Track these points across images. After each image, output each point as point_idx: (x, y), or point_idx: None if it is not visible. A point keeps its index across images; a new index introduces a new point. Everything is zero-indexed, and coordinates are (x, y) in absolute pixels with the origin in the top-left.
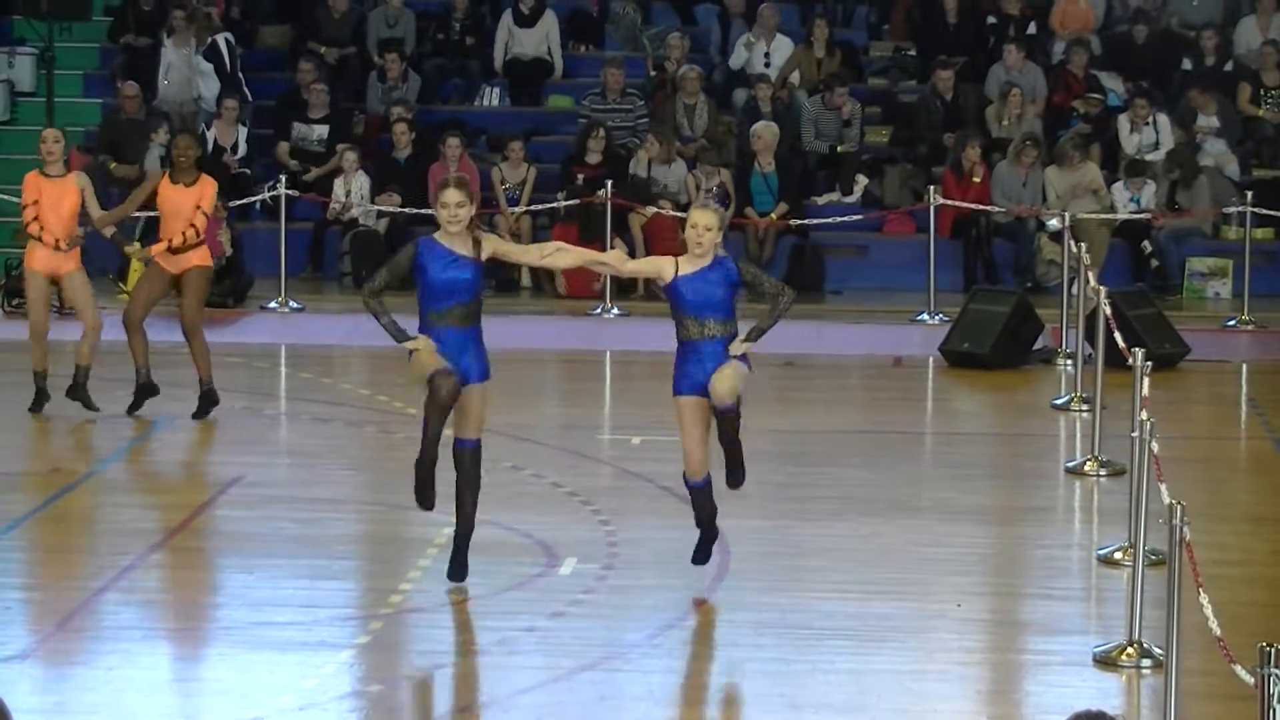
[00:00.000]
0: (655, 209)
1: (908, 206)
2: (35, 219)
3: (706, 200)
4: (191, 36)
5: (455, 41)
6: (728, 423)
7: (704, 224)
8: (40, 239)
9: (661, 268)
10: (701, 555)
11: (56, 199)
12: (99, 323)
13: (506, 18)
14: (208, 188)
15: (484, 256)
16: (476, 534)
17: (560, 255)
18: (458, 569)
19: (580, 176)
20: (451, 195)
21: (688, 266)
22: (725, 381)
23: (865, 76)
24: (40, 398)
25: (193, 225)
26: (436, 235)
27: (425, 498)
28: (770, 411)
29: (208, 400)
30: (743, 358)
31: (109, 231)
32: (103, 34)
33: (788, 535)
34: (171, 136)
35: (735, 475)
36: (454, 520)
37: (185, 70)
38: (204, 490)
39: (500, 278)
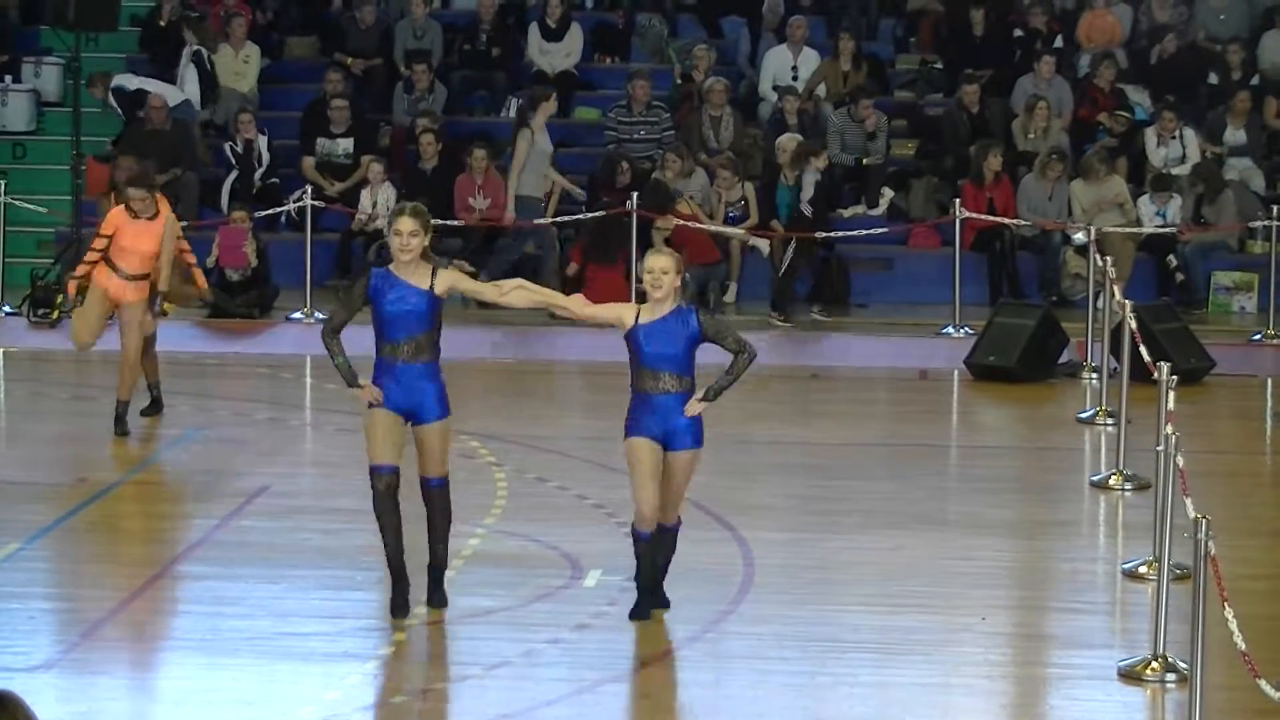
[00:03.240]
0: (675, 219)
1: (933, 220)
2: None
3: (658, 247)
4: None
5: (482, 53)
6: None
7: (659, 268)
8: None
9: (622, 315)
10: (642, 610)
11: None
12: (135, 359)
13: (534, 31)
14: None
15: (440, 290)
16: (502, 545)
17: (519, 294)
18: (439, 597)
19: (606, 199)
20: (405, 224)
21: (648, 315)
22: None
23: (891, 89)
24: (120, 424)
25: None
26: (391, 266)
27: (399, 604)
28: (795, 424)
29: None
30: (695, 423)
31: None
32: (130, 44)
33: (812, 548)
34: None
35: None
36: (432, 549)
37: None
38: (230, 501)
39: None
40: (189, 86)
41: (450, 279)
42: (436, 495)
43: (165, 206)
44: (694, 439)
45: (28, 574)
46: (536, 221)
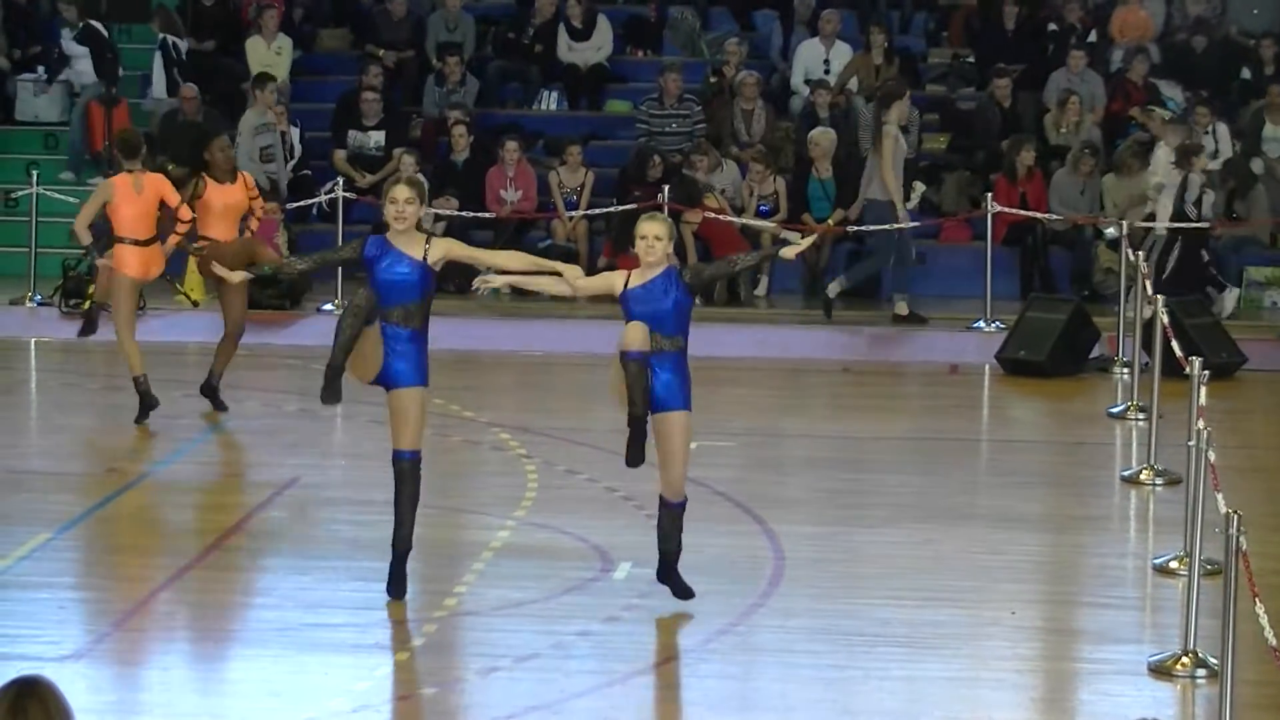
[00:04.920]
0: (703, 211)
1: (965, 214)
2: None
3: (653, 214)
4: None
5: (524, 45)
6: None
7: (653, 234)
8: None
9: (613, 282)
10: (682, 586)
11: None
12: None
13: (561, 32)
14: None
15: (433, 259)
16: (532, 537)
17: (514, 258)
18: (398, 585)
19: (637, 194)
20: (401, 191)
21: (638, 279)
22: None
23: (923, 83)
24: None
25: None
26: (388, 234)
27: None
28: (826, 417)
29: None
30: (684, 385)
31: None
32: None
33: (842, 541)
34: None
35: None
36: (396, 531)
37: (161, 74)
38: (259, 492)
39: None
40: (155, 76)
41: (444, 247)
42: (408, 469)
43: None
44: (683, 400)
45: (58, 564)
46: (569, 214)
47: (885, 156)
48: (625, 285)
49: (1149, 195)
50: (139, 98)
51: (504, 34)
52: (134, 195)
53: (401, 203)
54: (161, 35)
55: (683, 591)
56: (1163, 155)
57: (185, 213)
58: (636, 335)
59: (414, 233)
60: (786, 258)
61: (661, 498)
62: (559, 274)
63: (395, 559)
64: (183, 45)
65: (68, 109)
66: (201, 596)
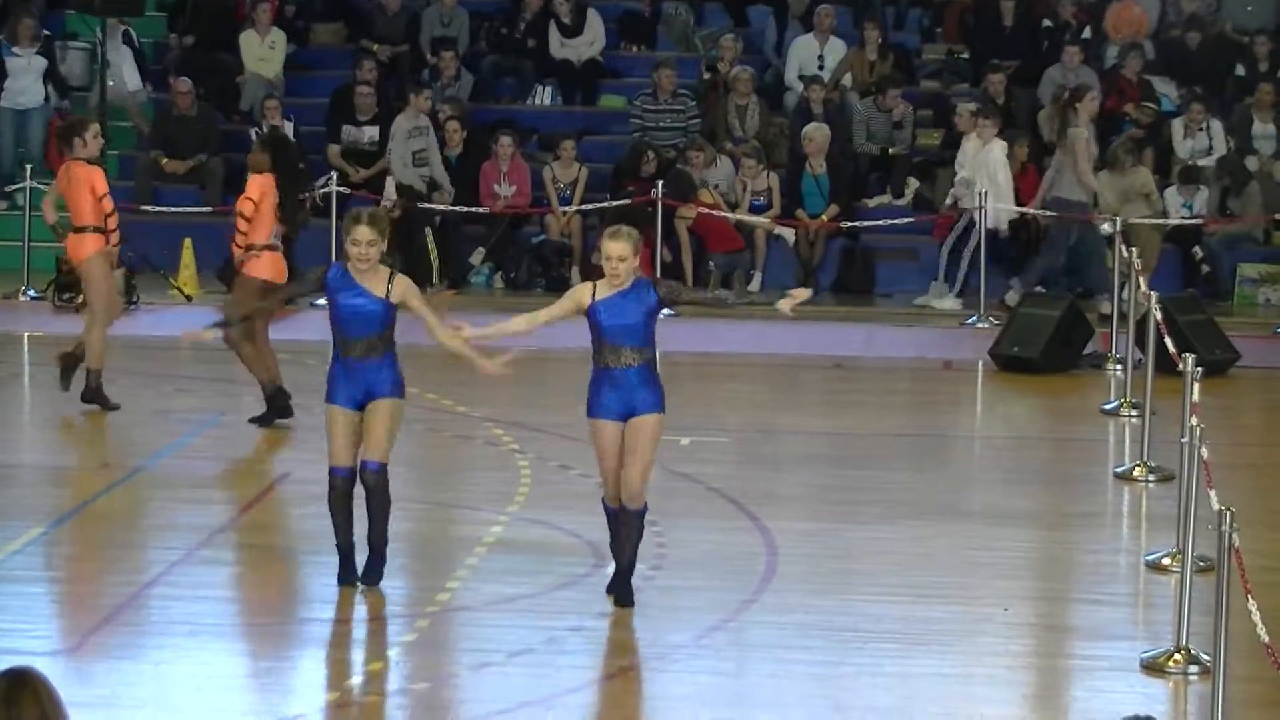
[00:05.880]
0: (697, 206)
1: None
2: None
3: (618, 227)
4: (119, 26)
5: (516, 40)
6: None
7: (616, 254)
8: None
9: (579, 298)
10: (629, 593)
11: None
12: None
13: (552, 29)
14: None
15: (394, 298)
16: (525, 533)
17: (454, 340)
18: (375, 574)
19: (631, 189)
20: (363, 233)
21: (606, 290)
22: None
23: (918, 79)
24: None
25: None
26: (348, 266)
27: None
28: (819, 414)
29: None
30: (656, 391)
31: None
32: (158, 29)
33: (835, 538)
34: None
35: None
36: (370, 541)
37: (114, 57)
38: (253, 487)
39: (550, 276)
40: (127, 68)
41: (402, 290)
42: (374, 481)
43: None
44: (655, 404)
45: (51, 558)
46: (563, 209)
47: (1080, 156)
48: (593, 297)
49: (956, 191)
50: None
51: (496, 29)
52: (65, 184)
53: (365, 245)
54: (126, 28)
55: (628, 598)
56: (970, 147)
57: (108, 204)
58: (610, 488)
59: (378, 268)
60: (782, 310)
61: (621, 505)
62: (518, 331)
63: (371, 555)
64: (131, 31)
65: (59, 103)
66: (193, 591)
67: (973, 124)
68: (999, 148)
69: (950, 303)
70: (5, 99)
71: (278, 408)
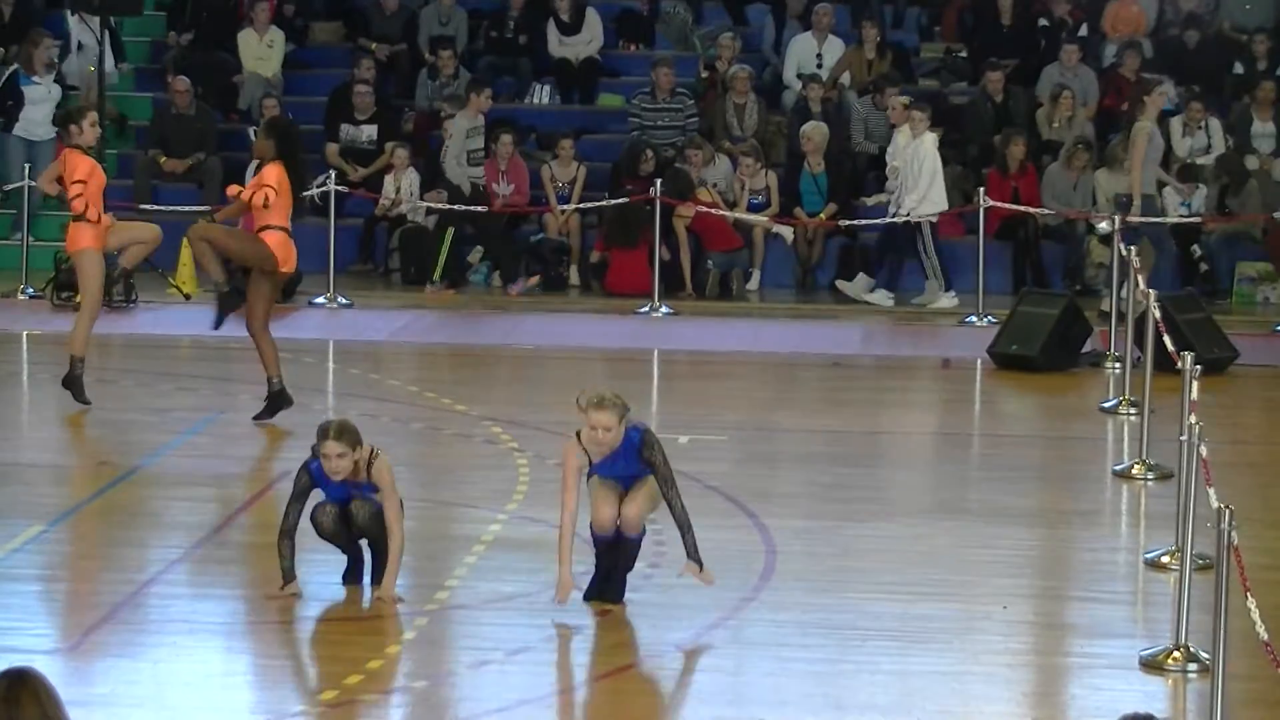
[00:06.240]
0: (695, 205)
1: (957, 208)
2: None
3: (601, 393)
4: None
5: (509, 40)
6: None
7: (603, 425)
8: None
9: (580, 466)
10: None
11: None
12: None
13: (551, 27)
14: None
15: (375, 479)
16: (524, 531)
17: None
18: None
19: (630, 187)
20: (332, 448)
21: (598, 454)
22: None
23: (916, 78)
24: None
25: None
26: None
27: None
28: (818, 412)
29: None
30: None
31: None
32: (157, 29)
33: (834, 536)
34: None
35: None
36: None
37: (95, 47)
38: (252, 485)
39: (549, 275)
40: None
41: (380, 476)
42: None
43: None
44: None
45: (50, 556)
46: (561, 208)
47: (1138, 149)
48: (590, 462)
49: (889, 185)
50: (131, 91)
51: (490, 29)
52: (62, 169)
53: (334, 458)
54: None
55: (618, 595)
56: (901, 140)
57: (76, 190)
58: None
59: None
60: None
61: (619, 531)
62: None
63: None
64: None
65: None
66: (193, 589)
67: (904, 116)
68: (930, 140)
69: (945, 301)
70: (20, 128)
71: (281, 403)
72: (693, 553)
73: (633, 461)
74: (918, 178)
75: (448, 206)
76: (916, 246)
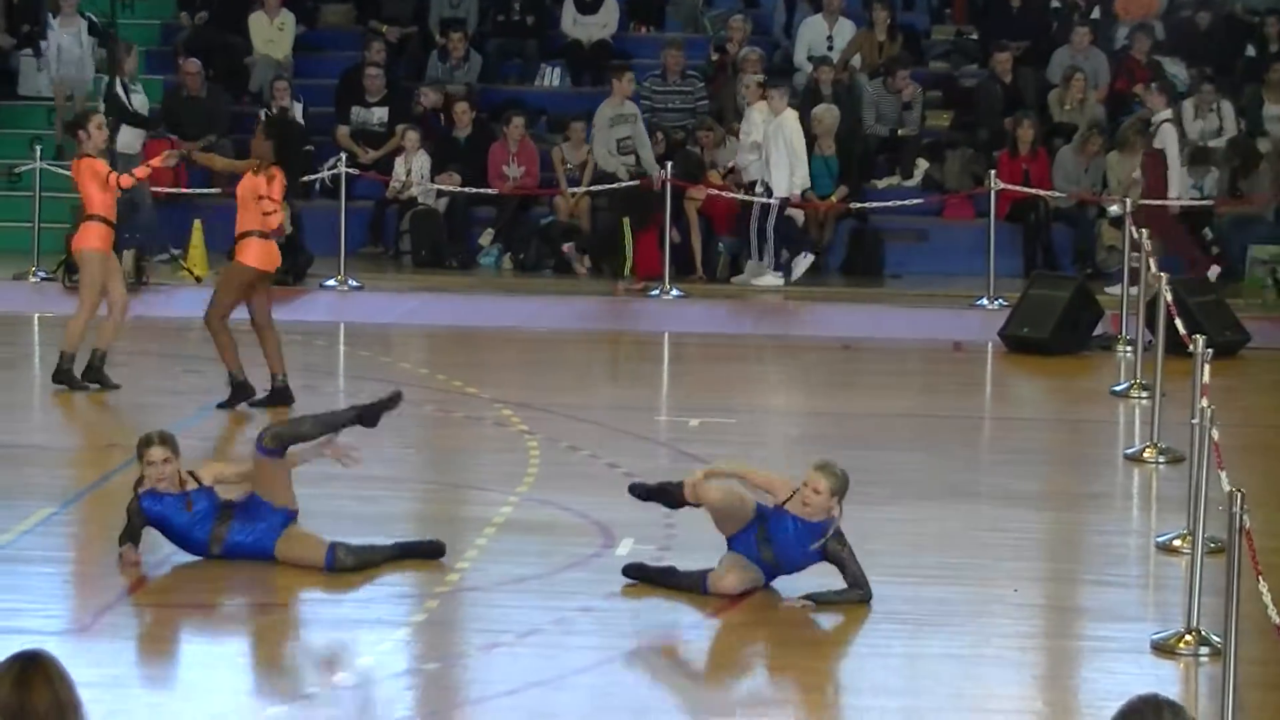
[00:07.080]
0: (705, 187)
1: (968, 191)
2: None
3: (831, 462)
4: (77, 15)
5: (516, 22)
6: None
7: (814, 487)
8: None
9: (776, 490)
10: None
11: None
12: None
13: (568, 4)
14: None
15: (208, 481)
16: (534, 513)
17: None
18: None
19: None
20: (156, 453)
21: (795, 508)
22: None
23: (926, 60)
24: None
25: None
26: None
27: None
28: (828, 395)
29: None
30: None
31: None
32: (167, 10)
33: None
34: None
35: None
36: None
37: (76, 50)
38: None
39: (559, 259)
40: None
41: (205, 474)
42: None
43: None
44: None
45: (60, 539)
46: (572, 190)
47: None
48: (783, 503)
49: (740, 161)
50: (142, 73)
51: (495, 14)
52: (77, 177)
53: (160, 463)
54: (70, 13)
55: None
56: (757, 116)
57: (116, 179)
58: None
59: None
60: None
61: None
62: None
63: None
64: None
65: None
66: (203, 570)
67: (759, 94)
68: (791, 117)
69: (770, 279)
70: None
71: (244, 397)
72: (824, 598)
73: (808, 543)
74: (783, 155)
75: (459, 189)
76: (756, 221)
